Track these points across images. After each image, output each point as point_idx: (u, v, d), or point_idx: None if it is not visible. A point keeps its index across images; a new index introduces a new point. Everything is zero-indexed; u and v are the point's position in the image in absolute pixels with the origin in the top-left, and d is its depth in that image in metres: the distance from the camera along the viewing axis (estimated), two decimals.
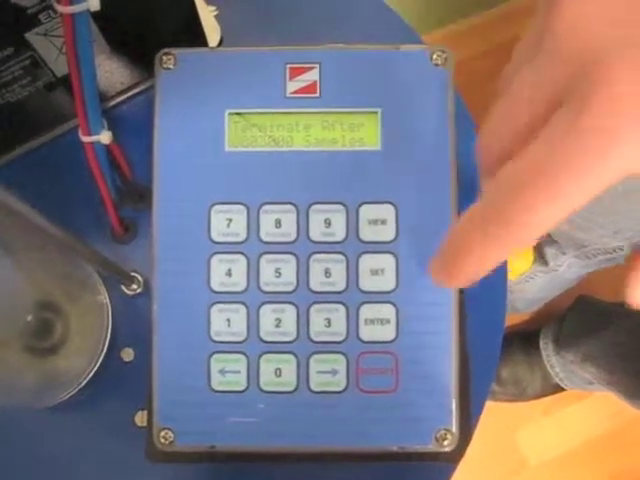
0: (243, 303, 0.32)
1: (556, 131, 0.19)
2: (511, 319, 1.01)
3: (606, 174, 0.19)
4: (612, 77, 0.18)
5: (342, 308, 0.32)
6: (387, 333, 0.32)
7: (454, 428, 0.31)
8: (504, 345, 0.36)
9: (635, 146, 0.18)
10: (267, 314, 0.32)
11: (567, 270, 0.77)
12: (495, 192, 0.21)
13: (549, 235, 0.74)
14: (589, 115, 0.18)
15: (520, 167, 0.20)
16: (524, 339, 0.96)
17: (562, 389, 0.96)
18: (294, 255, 0.32)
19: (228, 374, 0.32)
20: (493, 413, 0.99)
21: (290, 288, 0.32)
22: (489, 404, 0.35)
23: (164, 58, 0.33)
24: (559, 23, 0.20)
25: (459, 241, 0.23)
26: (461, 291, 0.33)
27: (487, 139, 0.23)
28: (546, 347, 0.92)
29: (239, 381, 0.32)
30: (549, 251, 0.75)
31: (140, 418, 0.35)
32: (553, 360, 0.92)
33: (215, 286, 0.32)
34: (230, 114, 0.32)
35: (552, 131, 0.19)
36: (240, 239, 0.32)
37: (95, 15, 0.30)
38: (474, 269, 0.23)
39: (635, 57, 0.18)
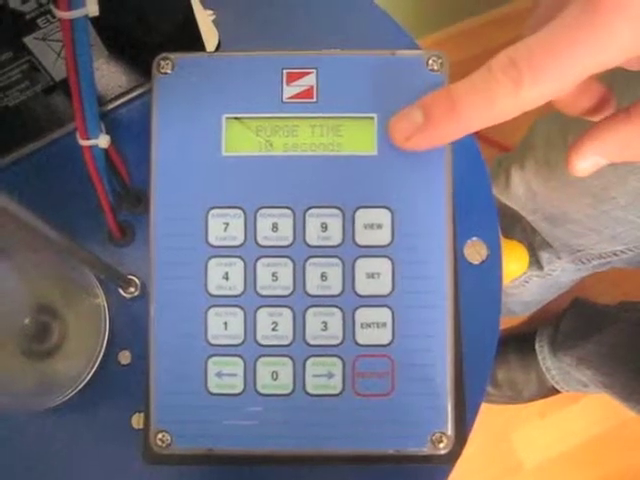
0: (240, 306, 0.32)
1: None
2: (507, 322, 1.01)
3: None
4: None
5: (338, 312, 0.32)
6: (383, 336, 0.32)
7: (449, 431, 0.32)
8: (500, 348, 0.36)
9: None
10: (264, 317, 0.32)
11: (561, 274, 0.77)
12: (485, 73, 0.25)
13: (544, 240, 0.74)
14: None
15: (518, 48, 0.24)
16: (520, 342, 0.97)
17: (557, 392, 0.97)
18: (291, 259, 0.32)
19: (225, 377, 0.32)
20: (489, 415, 0.99)
21: (287, 292, 0.32)
22: (484, 406, 0.36)
23: (162, 63, 0.33)
24: None
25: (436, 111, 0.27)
26: (457, 295, 0.33)
27: None
28: (542, 350, 0.93)
29: (236, 384, 0.32)
30: (544, 255, 0.75)
31: (137, 420, 0.35)
32: (549, 363, 0.92)
33: (212, 289, 0.32)
34: (227, 119, 0.33)
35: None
36: (237, 243, 0.32)
37: (93, 20, 0.30)
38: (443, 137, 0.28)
39: None
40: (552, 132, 0.63)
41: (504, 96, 0.25)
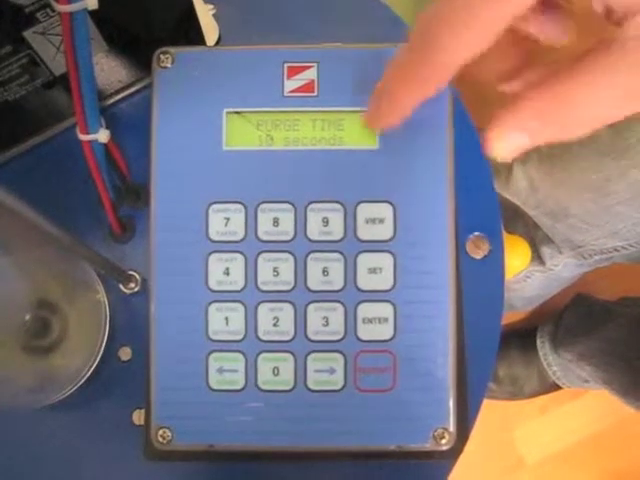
0: (241, 302, 0.32)
1: None
2: (508, 317, 1.01)
3: None
4: None
5: (340, 307, 0.32)
6: (385, 332, 0.32)
7: (451, 427, 0.32)
8: (501, 343, 0.36)
9: None
10: (265, 313, 0.32)
11: (563, 269, 0.77)
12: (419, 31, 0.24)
13: (546, 235, 0.74)
14: None
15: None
16: (521, 338, 0.96)
17: (559, 387, 0.96)
18: (292, 254, 0.32)
19: (226, 373, 0.32)
20: (490, 411, 0.99)
21: (288, 287, 0.32)
22: (486, 402, 0.35)
23: (162, 57, 0.33)
24: None
25: (393, 85, 0.26)
26: (459, 290, 0.33)
27: None
28: (543, 346, 0.93)
29: (237, 380, 0.32)
30: (546, 251, 0.75)
31: (138, 417, 0.35)
32: (550, 358, 0.92)
33: (213, 285, 0.32)
34: (228, 113, 0.32)
35: None
36: (238, 238, 0.32)
37: (93, 13, 0.30)
38: (408, 105, 0.26)
39: None
40: None
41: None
